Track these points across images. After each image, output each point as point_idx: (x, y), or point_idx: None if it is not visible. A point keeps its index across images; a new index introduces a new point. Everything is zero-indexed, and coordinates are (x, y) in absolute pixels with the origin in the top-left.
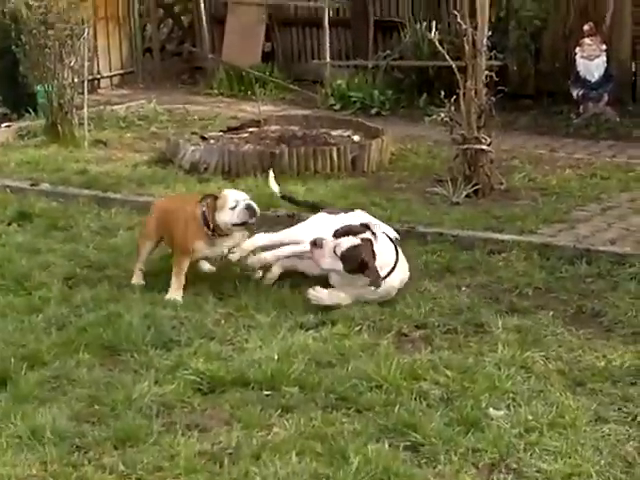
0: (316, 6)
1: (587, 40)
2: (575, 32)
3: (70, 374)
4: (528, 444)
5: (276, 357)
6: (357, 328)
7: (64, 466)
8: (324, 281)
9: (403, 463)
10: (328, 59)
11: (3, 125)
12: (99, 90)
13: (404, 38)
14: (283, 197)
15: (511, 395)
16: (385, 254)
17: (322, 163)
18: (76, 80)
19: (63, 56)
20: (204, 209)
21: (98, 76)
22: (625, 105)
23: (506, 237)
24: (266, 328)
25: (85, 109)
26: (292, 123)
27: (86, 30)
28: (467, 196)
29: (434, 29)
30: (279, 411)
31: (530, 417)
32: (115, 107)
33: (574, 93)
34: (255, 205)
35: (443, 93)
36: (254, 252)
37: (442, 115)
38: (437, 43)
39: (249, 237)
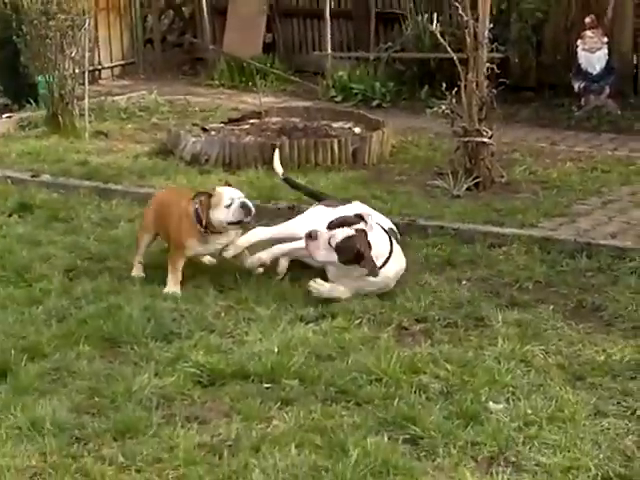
0: None
1: (589, 32)
2: (577, 24)
3: (70, 366)
4: (527, 438)
5: (276, 350)
6: (357, 321)
7: (64, 457)
8: (325, 273)
9: (402, 456)
10: (329, 50)
11: (4, 116)
12: (100, 81)
13: (405, 30)
14: (285, 180)
15: (511, 389)
16: (379, 245)
17: (323, 155)
18: (77, 71)
19: (64, 47)
20: (197, 206)
21: (99, 67)
22: (627, 98)
23: (507, 230)
24: (266, 321)
25: (86, 100)
26: (293, 115)
27: (87, 21)
28: (468, 189)
29: (435, 21)
30: (279, 404)
31: (529, 411)
32: (116, 98)
33: (575, 86)
34: (250, 203)
35: (444, 85)
36: (249, 248)
37: (443, 107)
38: (438, 35)
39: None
